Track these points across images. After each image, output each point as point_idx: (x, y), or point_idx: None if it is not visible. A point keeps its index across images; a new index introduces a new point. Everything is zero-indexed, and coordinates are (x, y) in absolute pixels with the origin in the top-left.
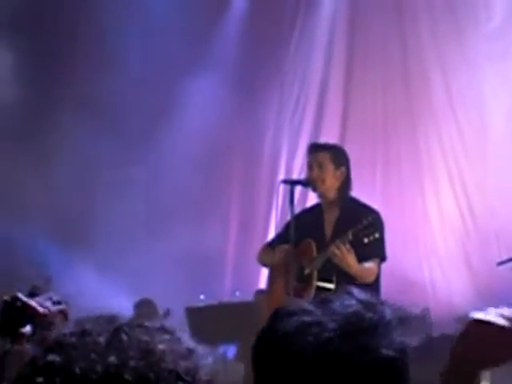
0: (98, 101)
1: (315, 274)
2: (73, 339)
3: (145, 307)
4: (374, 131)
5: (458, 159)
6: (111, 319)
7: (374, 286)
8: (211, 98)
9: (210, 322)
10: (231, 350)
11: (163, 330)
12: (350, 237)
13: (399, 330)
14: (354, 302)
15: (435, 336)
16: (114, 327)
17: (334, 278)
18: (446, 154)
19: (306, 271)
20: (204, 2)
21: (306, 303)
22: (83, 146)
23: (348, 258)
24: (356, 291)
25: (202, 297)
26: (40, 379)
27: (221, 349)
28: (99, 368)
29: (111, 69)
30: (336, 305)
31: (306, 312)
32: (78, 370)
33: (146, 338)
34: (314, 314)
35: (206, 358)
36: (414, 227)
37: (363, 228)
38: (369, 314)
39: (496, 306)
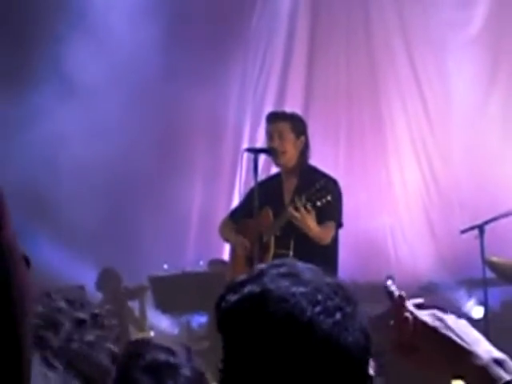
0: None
1: (272, 240)
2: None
3: (108, 277)
4: (337, 101)
5: (422, 129)
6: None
7: (331, 251)
8: (173, 68)
9: (173, 291)
10: (196, 319)
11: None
12: (304, 200)
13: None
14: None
15: None
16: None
17: (292, 244)
18: (410, 124)
19: (265, 238)
20: None
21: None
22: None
23: (307, 218)
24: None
25: (165, 266)
26: None
27: (185, 318)
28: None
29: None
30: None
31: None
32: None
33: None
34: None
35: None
36: (377, 196)
37: (315, 191)
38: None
39: (459, 275)
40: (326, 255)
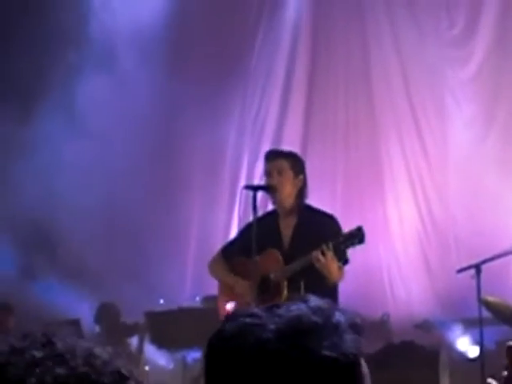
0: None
1: (285, 283)
2: (2, 358)
3: (107, 311)
4: (335, 138)
5: (418, 166)
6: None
7: (334, 290)
8: (174, 102)
9: (169, 326)
10: (191, 355)
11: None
12: (331, 247)
13: (351, 334)
14: (302, 306)
15: (395, 342)
16: (44, 341)
17: (302, 287)
18: (408, 162)
19: (275, 281)
20: (164, 5)
21: (254, 308)
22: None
23: (332, 265)
24: (312, 298)
25: (161, 301)
26: None
27: (181, 353)
28: (49, 380)
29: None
30: (282, 309)
31: (250, 315)
32: None
33: (82, 344)
34: (258, 316)
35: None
36: (374, 233)
37: (346, 239)
38: (314, 318)
39: (455, 313)
40: (329, 294)
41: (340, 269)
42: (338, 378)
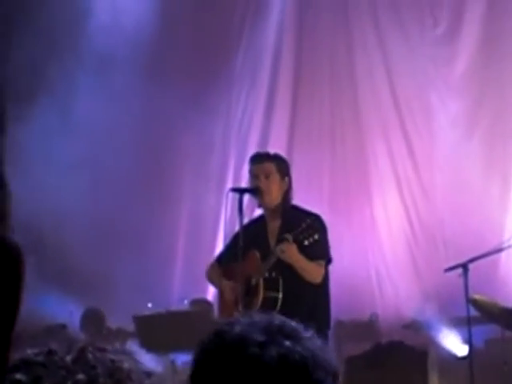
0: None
1: (261, 283)
2: (40, 358)
3: (92, 316)
4: (321, 139)
5: (405, 166)
6: (72, 340)
7: (322, 289)
8: (157, 108)
9: (158, 330)
10: (180, 358)
11: (123, 351)
12: (291, 239)
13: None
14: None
15: (383, 342)
16: (79, 347)
17: (281, 286)
18: (394, 160)
19: (253, 281)
20: (149, 12)
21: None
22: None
23: (294, 252)
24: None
25: (149, 305)
26: None
27: (170, 356)
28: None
29: None
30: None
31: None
32: None
33: (111, 357)
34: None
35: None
36: (361, 234)
37: (302, 230)
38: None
39: (443, 313)
40: (317, 294)
41: (316, 267)
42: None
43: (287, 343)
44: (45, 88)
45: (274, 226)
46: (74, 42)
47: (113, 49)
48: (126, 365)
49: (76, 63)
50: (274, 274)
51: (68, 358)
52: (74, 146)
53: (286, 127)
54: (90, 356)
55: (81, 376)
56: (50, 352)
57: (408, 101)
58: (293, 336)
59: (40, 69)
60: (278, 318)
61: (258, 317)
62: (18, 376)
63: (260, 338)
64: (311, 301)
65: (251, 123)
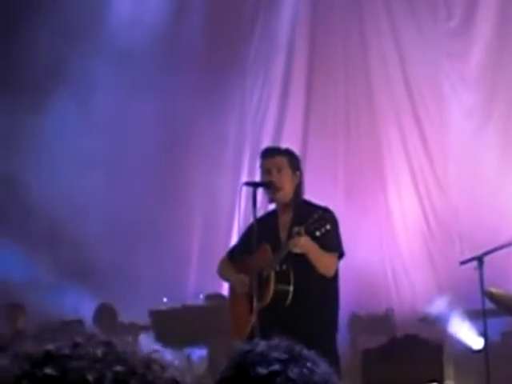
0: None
1: (272, 276)
2: (66, 351)
3: (104, 312)
4: (335, 131)
5: (419, 158)
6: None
7: (333, 283)
8: (171, 100)
9: (173, 324)
10: (196, 353)
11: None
12: (303, 231)
13: None
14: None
15: (399, 336)
16: (106, 340)
17: (292, 279)
18: (408, 153)
19: (264, 274)
20: (164, 4)
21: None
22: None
23: (308, 242)
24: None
25: (165, 299)
26: None
27: (185, 351)
28: (109, 376)
29: None
30: None
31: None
32: (90, 378)
33: (139, 350)
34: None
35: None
36: (377, 228)
37: (313, 221)
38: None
39: (459, 306)
40: (327, 288)
41: (330, 258)
42: None
43: (309, 364)
44: (64, 80)
45: (286, 219)
46: (94, 34)
47: (131, 42)
48: (156, 356)
49: (95, 56)
50: (284, 267)
51: (98, 351)
52: (92, 139)
53: (300, 115)
54: (119, 349)
55: (119, 368)
56: (76, 344)
57: (421, 92)
58: (312, 360)
59: (60, 61)
60: (296, 345)
61: (277, 341)
62: (48, 371)
63: (283, 356)
64: (322, 294)
65: (266, 113)
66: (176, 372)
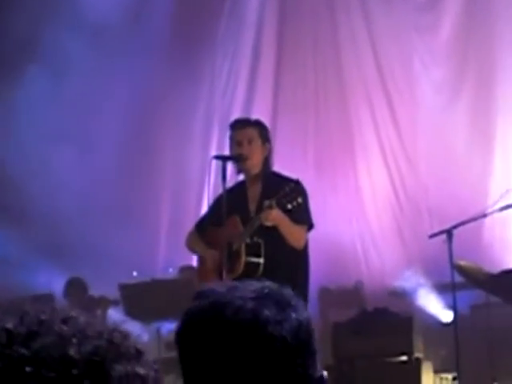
0: None
1: (243, 248)
2: (34, 327)
3: (75, 285)
4: (305, 105)
5: (388, 133)
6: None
7: (303, 255)
8: (142, 74)
9: (143, 298)
10: (166, 326)
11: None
12: (274, 204)
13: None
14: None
15: (369, 309)
16: (63, 316)
17: (262, 252)
18: (378, 130)
19: (235, 247)
20: None
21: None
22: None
23: (279, 215)
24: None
25: (134, 273)
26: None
27: (155, 325)
28: (89, 349)
29: None
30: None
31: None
32: (72, 353)
33: (104, 323)
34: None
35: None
36: (346, 201)
37: (285, 194)
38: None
39: (427, 279)
40: (297, 260)
41: (300, 230)
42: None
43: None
44: (36, 54)
45: (255, 191)
46: (66, 8)
47: (102, 15)
48: (120, 328)
49: (67, 30)
50: (255, 239)
51: (57, 321)
52: (64, 116)
53: (270, 89)
54: (80, 320)
55: (74, 340)
56: (42, 321)
57: (390, 64)
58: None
59: (32, 35)
60: (268, 285)
61: (248, 284)
62: (22, 350)
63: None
64: (292, 266)
65: (235, 87)
66: (138, 343)
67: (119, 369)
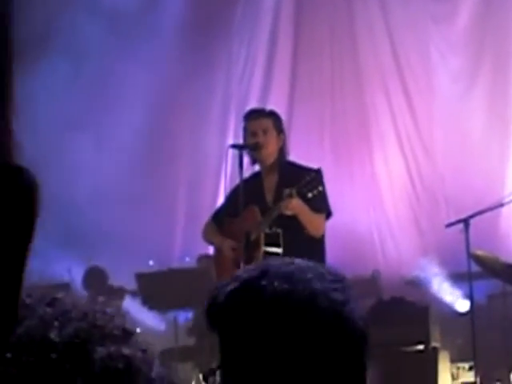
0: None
1: (262, 238)
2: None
3: (95, 274)
4: (321, 95)
5: (406, 122)
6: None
7: (320, 244)
8: (159, 62)
9: (160, 288)
10: (182, 316)
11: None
12: (295, 193)
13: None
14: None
15: (385, 299)
16: (48, 300)
17: (281, 241)
18: (395, 118)
19: (253, 237)
20: None
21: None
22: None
23: (299, 203)
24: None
25: (151, 262)
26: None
27: (171, 314)
28: (70, 331)
29: None
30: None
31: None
32: (52, 336)
33: (94, 306)
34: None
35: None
36: (363, 191)
37: (306, 183)
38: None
39: (444, 269)
40: (315, 250)
41: (320, 219)
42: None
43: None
44: (53, 42)
45: (271, 181)
46: None
47: (120, 3)
48: (109, 310)
49: (85, 17)
50: (274, 229)
51: (42, 304)
52: (80, 102)
53: (286, 77)
54: (66, 302)
55: (56, 323)
56: (25, 305)
57: (407, 53)
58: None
59: (49, 23)
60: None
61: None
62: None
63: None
64: (310, 255)
65: (252, 74)
66: (122, 320)
67: (101, 351)
